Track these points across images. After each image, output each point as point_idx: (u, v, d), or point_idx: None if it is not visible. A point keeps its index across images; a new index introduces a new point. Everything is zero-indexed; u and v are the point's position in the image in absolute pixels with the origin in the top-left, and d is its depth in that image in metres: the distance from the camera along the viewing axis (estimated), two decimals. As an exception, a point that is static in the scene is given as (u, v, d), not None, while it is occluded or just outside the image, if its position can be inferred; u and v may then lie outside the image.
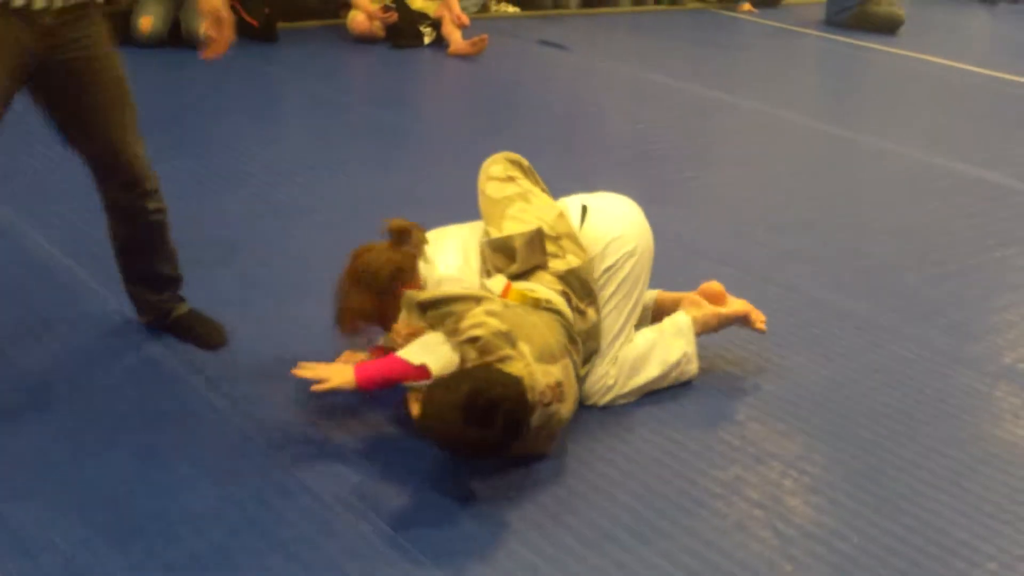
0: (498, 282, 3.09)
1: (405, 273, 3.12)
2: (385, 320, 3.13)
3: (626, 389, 3.27)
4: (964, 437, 3.30)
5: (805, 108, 7.10)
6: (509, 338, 2.86)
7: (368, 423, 3.12)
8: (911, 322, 4.03)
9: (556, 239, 3.16)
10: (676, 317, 3.41)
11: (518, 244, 3.11)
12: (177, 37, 7.17)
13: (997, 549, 2.80)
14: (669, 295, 3.55)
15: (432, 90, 7.33)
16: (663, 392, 3.35)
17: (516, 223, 3.18)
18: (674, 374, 3.36)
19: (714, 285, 3.53)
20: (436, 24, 7.82)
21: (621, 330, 3.25)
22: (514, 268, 3.12)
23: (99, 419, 3.05)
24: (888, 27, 9.66)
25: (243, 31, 7.50)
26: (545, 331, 2.95)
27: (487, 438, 2.73)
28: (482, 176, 3.36)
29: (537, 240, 3.12)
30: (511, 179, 3.32)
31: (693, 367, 3.40)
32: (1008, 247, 4.85)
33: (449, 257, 3.20)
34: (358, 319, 3.15)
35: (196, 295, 3.55)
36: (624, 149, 5.97)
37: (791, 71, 8.67)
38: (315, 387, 2.92)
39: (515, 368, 2.81)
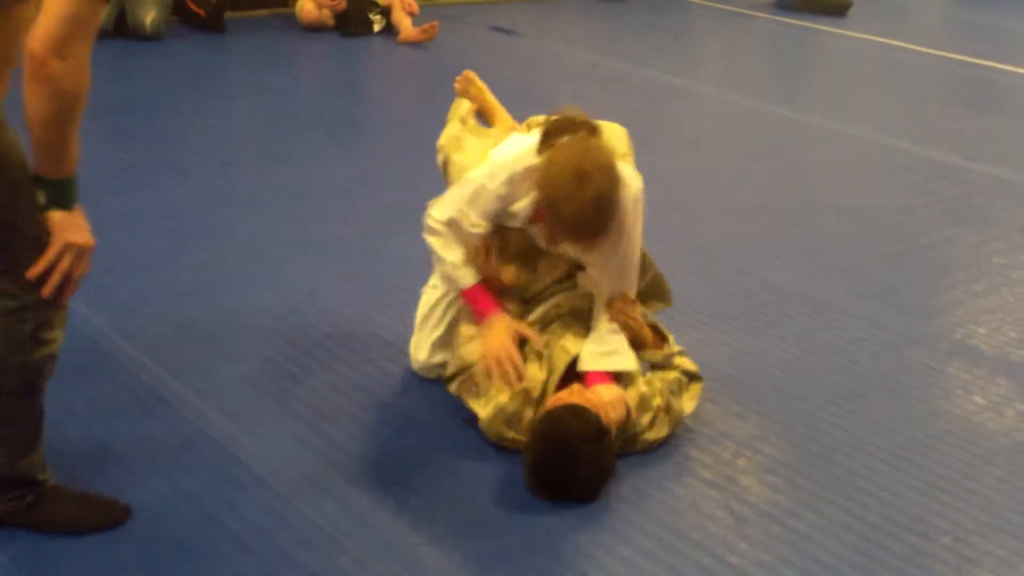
0: None
1: None
2: None
3: None
4: (917, 414, 3.32)
5: (756, 91, 7.12)
6: None
7: (323, 414, 3.10)
8: (863, 302, 4.05)
9: None
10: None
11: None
12: (122, 28, 7.08)
13: (951, 524, 2.82)
14: None
15: (382, 78, 7.29)
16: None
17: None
18: None
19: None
20: (386, 11, 7.78)
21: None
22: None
23: (48, 413, 3.00)
24: (837, 9, 9.69)
25: (190, 21, 7.45)
26: None
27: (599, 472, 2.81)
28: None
29: None
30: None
31: None
32: (958, 226, 4.89)
33: None
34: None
35: (146, 287, 3.52)
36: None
37: (742, 54, 8.68)
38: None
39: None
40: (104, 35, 6.97)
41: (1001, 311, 4.05)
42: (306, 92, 6.61)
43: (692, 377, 3.16)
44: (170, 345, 3.40)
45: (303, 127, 5.77)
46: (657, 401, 3.02)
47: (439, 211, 3.00)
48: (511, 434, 2.93)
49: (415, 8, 7.76)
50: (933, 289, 4.25)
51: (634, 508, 2.80)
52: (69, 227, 2.31)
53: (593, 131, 2.93)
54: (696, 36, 9.17)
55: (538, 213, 2.92)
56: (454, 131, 3.41)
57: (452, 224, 2.98)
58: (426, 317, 3.28)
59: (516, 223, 2.99)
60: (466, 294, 3.03)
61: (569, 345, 3.03)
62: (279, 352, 3.39)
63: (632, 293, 3.10)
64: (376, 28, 7.78)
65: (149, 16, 7.04)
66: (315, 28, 7.69)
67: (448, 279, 3.04)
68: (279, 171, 4.99)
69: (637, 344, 3.13)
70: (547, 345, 3.02)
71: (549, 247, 3.04)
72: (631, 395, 2.98)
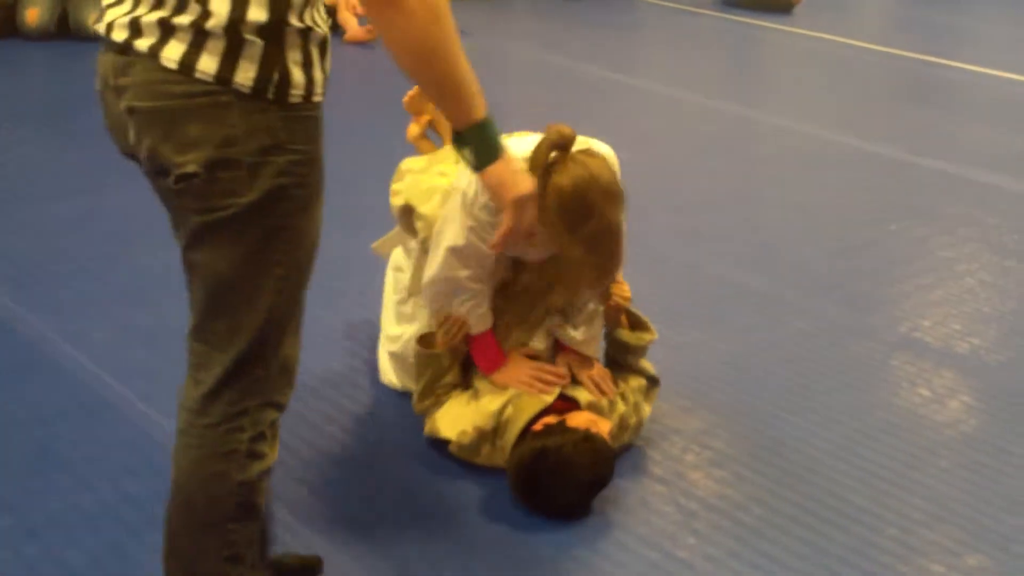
0: None
1: None
2: None
3: None
4: (862, 406, 3.35)
5: (702, 87, 7.15)
6: None
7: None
8: (809, 296, 4.08)
9: None
10: None
11: None
12: (65, 28, 7.01)
13: (897, 515, 2.84)
14: None
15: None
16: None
17: None
18: None
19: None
20: (331, 11, 7.75)
21: None
22: None
23: (-10, 420, 2.98)
24: (782, 6, 9.76)
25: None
26: None
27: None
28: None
29: None
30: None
31: None
32: (903, 220, 4.93)
33: None
34: None
35: (95, 290, 3.48)
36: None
37: (688, 51, 8.72)
38: None
39: None
40: (46, 36, 6.91)
41: (946, 304, 4.09)
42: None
43: (653, 382, 3.17)
44: (114, 348, 3.37)
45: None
46: (633, 420, 3.03)
47: (428, 280, 2.88)
48: (477, 460, 2.91)
49: (360, 8, 7.74)
50: (879, 283, 4.28)
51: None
52: (510, 179, 1.96)
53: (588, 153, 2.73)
54: (643, 33, 9.21)
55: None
56: (413, 173, 3.14)
57: (448, 280, 2.84)
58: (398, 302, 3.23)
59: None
60: (476, 341, 2.95)
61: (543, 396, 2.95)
62: (226, 354, 3.36)
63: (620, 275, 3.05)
64: (323, 28, 7.75)
65: (92, 17, 6.97)
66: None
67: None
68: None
69: (633, 323, 3.15)
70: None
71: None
72: (612, 420, 2.95)
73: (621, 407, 3.00)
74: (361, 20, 7.69)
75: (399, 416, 3.12)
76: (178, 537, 2.01)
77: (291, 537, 2.57)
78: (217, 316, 1.97)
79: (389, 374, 3.25)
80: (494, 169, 1.89)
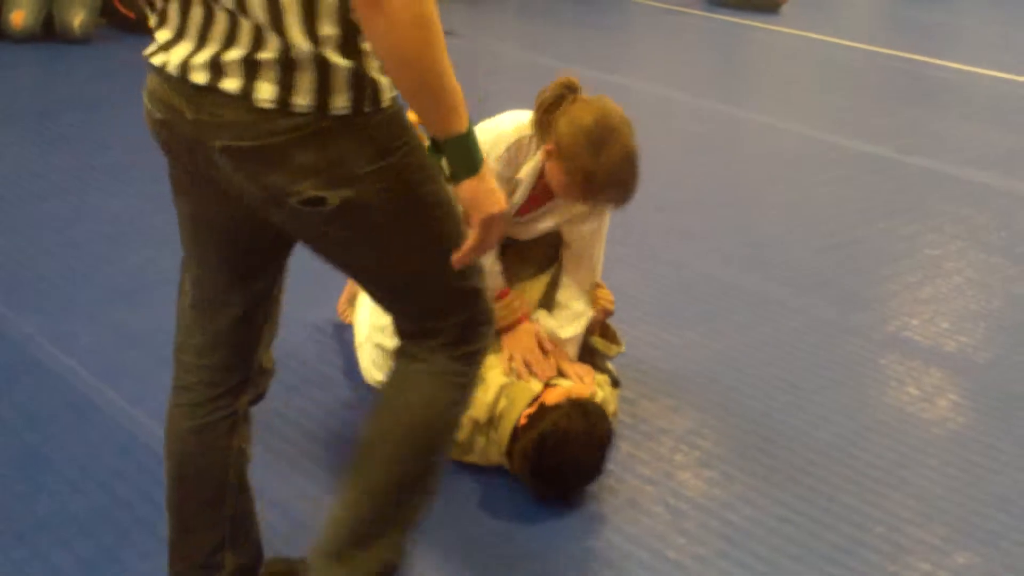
0: None
1: None
2: None
3: None
4: (852, 405, 3.35)
5: (690, 87, 7.16)
6: None
7: (261, 417, 3.06)
8: (799, 294, 4.09)
9: None
10: None
11: None
12: (50, 31, 6.99)
13: (885, 513, 2.85)
14: None
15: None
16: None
17: None
18: None
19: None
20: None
21: None
22: None
23: (-22, 423, 2.97)
24: (769, 5, 9.77)
25: (120, 23, 7.37)
26: None
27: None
28: None
29: None
30: None
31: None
32: (892, 218, 4.94)
33: None
34: None
35: (82, 292, 3.47)
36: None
37: (676, 50, 8.73)
38: None
39: None
40: (32, 38, 6.89)
41: (935, 302, 4.10)
42: (240, 94, 6.55)
43: (615, 383, 3.18)
44: (102, 350, 3.36)
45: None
46: (612, 408, 3.05)
47: None
48: (469, 458, 2.91)
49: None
50: (867, 281, 4.29)
51: (571, 506, 2.80)
52: (483, 198, 1.90)
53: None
54: (631, 33, 9.21)
55: (541, 181, 2.93)
56: None
57: None
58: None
59: (518, 195, 2.96)
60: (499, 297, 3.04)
61: (532, 383, 2.97)
62: (214, 356, 3.35)
63: (599, 277, 3.19)
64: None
65: (77, 19, 6.96)
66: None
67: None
68: (213, 173, 4.94)
69: (604, 333, 3.18)
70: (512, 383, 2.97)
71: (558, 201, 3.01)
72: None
73: (600, 394, 3.03)
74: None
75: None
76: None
77: (279, 539, 2.57)
78: (409, 302, 2.09)
79: (373, 371, 3.18)
80: (468, 184, 1.87)
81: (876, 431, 3.22)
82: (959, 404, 3.42)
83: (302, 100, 1.77)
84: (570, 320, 3.08)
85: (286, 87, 1.76)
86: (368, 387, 3.17)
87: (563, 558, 2.61)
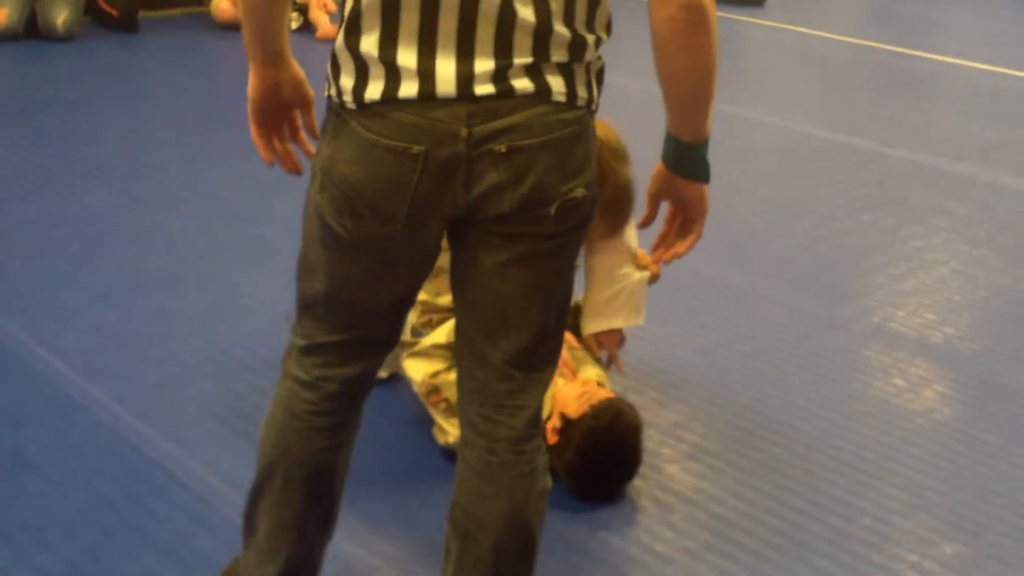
0: None
1: None
2: None
3: None
4: (836, 397, 3.36)
5: (675, 81, 7.15)
6: None
7: (246, 416, 3.06)
8: (782, 288, 4.09)
9: None
10: None
11: None
12: (34, 29, 6.96)
13: (871, 504, 2.85)
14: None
15: (301, 76, 7.22)
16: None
17: None
18: None
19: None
20: (303, 9, 7.72)
21: None
22: None
23: (-39, 424, 2.96)
24: (753, -1, 9.78)
25: (103, 21, 7.34)
26: None
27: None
28: None
29: None
30: None
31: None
32: (874, 210, 4.94)
33: None
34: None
35: (64, 292, 3.46)
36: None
37: (661, 45, 8.72)
38: None
39: None
40: (15, 37, 6.86)
41: (919, 294, 4.11)
42: (223, 92, 6.52)
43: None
44: (85, 350, 3.35)
45: (221, 127, 5.70)
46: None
47: None
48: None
49: (332, 6, 7.71)
50: (851, 273, 4.30)
51: (558, 501, 2.79)
52: (707, 201, 2.13)
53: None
54: (615, 28, 9.19)
55: None
56: None
57: None
58: None
59: None
60: None
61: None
62: (200, 354, 3.35)
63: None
64: (293, 25, 7.71)
65: (61, 17, 6.93)
66: (231, 27, 7.60)
67: None
68: (197, 172, 4.93)
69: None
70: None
71: None
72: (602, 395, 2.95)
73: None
74: (333, 18, 7.66)
75: (379, 409, 3.11)
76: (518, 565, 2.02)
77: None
78: (549, 337, 1.97)
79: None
80: (702, 187, 2.08)
81: (862, 423, 3.23)
82: (944, 395, 3.42)
83: (582, 92, 1.83)
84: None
85: (569, 80, 1.80)
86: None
87: (550, 554, 2.61)
